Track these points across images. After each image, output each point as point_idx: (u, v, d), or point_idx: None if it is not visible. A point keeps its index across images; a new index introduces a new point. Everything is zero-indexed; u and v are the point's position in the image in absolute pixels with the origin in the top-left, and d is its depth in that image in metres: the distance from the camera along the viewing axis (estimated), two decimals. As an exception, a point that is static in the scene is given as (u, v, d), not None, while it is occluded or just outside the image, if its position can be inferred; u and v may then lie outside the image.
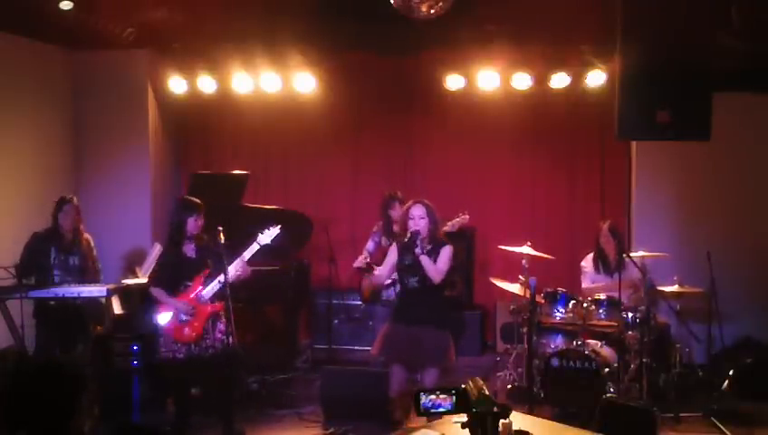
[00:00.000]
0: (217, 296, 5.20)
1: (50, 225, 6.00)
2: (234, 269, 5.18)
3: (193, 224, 5.25)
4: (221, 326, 5.24)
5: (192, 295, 5.21)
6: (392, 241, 6.04)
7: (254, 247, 5.29)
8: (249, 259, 5.30)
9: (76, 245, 6.03)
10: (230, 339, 5.16)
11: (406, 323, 5.16)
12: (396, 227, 6.28)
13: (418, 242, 5.05)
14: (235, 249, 5.37)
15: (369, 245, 6.56)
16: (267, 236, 5.31)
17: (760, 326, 7.04)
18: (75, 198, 6.13)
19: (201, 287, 5.21)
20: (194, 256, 5.29)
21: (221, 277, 5.08)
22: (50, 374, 2.46)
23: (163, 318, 5.20)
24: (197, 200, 5.36)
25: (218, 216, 5.42)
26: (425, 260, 5.08)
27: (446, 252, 5.16)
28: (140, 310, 6.11)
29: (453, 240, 7.73)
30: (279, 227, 5.36)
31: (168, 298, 5.21)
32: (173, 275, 5.27)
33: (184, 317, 5.17)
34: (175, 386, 5.42)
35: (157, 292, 5.26)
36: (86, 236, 6.15)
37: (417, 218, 5.10)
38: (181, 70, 7.78)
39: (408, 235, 5.07)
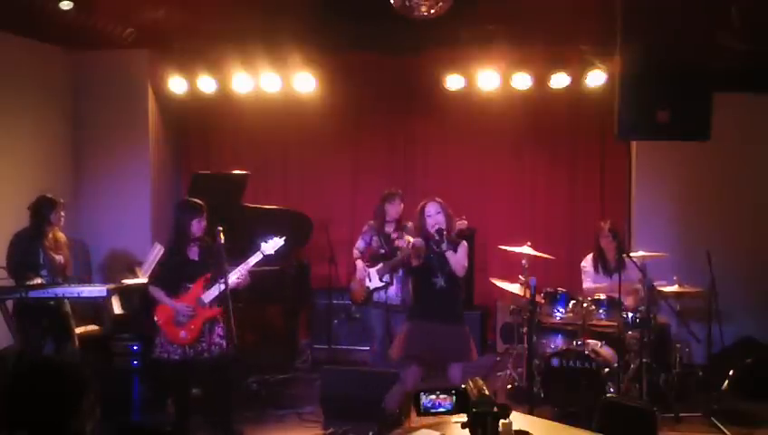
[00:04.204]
0: (218, 300, 5.16)
1: (30, 224, 5.82)
2: (235, 276, 5.18)
3: (197, 226, 5.24)
4: (219, 330, 5.20)
5: (193, 298, 5.18)
6: (383, 240, 6.17)
7: (258, 256, 5.27)
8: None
9: (58, 243, 5.98)
10: (225, 343, 5.16)
11: (431, 322, 5.10)
12: (388, 228, 6.34)
13: (445, 238, 5.01)
14: (234, 250, 5.36)
15: (360, 244, 6.49)
16: (270, 246, 5.30)
17: (760, 326, 7.04)
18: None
19: (202, 290, 5.19)
20: (196, 258, 5.27)
21: (222, 281, 5.06)
22: (52, 374, 2.45)
23: (160, 318, 5.18)
24: (200, 202, 5.33)
25: (218, 216, 5.39)
26: (451, 255, 5.05)
27: (464, 248, 5.16)
28: (140, 310, 6.08)
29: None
30: (283, 238, 5.35)
31: (166, 299, 5.18)
32: (174, 277, 5.24)
33: (182, 319, 5.14)
34: (173, 387, 5.41)
35: (155, 292, 5.23)
36: (61, 233, 6.03)
37: (435, 214, 5.07)
38: (181, 70, 7.76)
39: (434, 233, 5.01)
